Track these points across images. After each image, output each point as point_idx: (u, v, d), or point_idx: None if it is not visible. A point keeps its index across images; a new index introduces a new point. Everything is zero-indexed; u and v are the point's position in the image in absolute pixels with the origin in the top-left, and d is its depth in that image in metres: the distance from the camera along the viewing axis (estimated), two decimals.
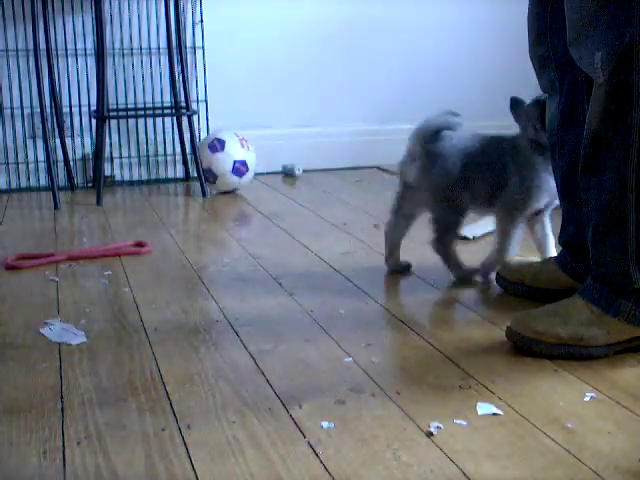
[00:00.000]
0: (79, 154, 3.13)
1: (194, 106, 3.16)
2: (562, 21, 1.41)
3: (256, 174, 3.04)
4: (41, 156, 3.06)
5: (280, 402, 1.22)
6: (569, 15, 1.37)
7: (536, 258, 1.82)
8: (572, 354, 1.35)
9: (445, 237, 1.80)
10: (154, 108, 3.15)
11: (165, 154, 3.24)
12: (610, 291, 1.36)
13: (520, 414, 1.17)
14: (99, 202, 2.77)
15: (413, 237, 2.25)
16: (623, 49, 1.26)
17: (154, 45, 3.13)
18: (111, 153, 3.14)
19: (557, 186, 1.66)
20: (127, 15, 3.08)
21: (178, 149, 3.21)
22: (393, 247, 1.91)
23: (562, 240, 1.67)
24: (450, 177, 1.75)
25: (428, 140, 1.78)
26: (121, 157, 3.18)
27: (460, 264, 1.82)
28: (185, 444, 1.09)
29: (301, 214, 2.59)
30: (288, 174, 3.33)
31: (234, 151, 2.86)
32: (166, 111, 3.17)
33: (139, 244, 2.17)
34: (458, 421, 1.15)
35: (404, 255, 2.06)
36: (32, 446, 1.09)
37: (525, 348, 1.39)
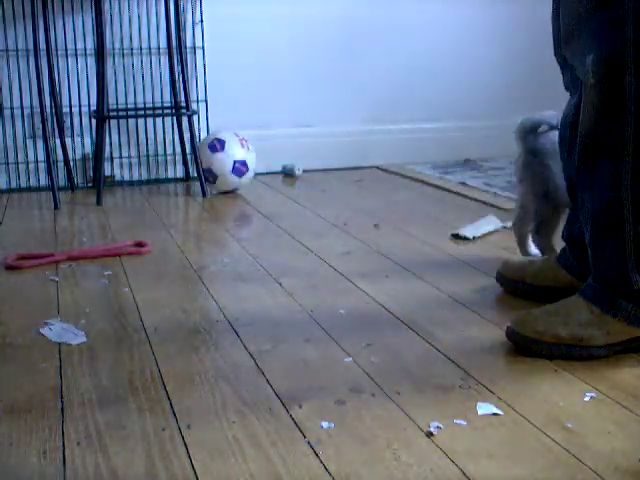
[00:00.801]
0: (79, 154, 3.13)
1: (194, 106, 3.16)
2: None
3: (256, 174, 3.04)
4: (41, 156, 3.06)
5: (280, 402, 1.22)
6: (563, 16, 1.37)
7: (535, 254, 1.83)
8: (572, 354, 1.35)
9: (543, 229, 1.83)
10: (154, 108, 3.15)
11: (165, 154, 3.24)
12: (610, 292, 1.36)
13: (520, 414, 1.17)
14: (99, 202, 2.77)
15: (415, 236, 2.25)
16: (615, 53, 1.26)
17: (154, 45, 3.14)
18: (111, 153, 3.14)
19: (567, 184, 1.66)
20: (127, 15, 3.08)
21: (178, 149, 3.22)
22: (521, 238, 1.94)
23: (566, 236, 1.68)
24: (549, 172, 1.78)
25: (527, 135, 1.83)
26: (121, 157, 3.18)
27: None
28: (185, 444, 1.09)
29: (301, 214, 2.59)
30: (288, 174, 3.33)
31: (234, 151, 2.86)
32: (166, 111, 3.17)
33: (139, 244, 2.17)
34: (458, 421, 1.15)
35: (404, 252, 2.06)
36: (32, 446, 1.09)
37: (525, 348, 1.39)
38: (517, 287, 1.70)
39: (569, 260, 1.64)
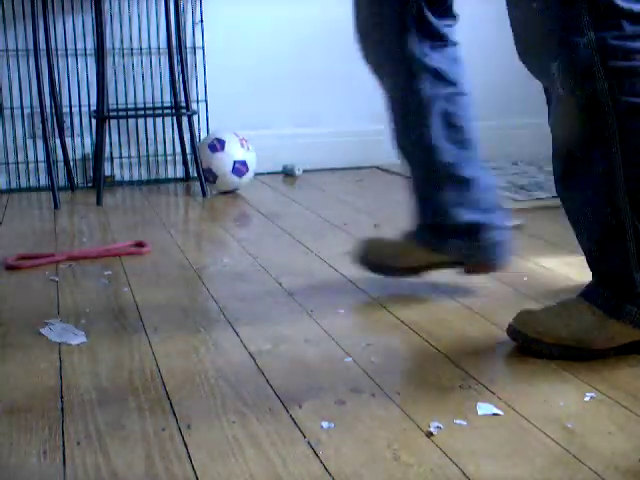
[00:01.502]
0: (79, 154, 3.14)
1: (194, 106, 3.16)
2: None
3: (256, 174, 3.04)
4: (41, 156, 3.07)
5: (280, 402, 1.22)
6: (515, 27, 1.37)
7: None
8: (572, 355, 1.35)
9: None
10: (154, 108, 3.15)
11: (165, 154, 3.24)
12: (614, 295, 1.35)
13: (520, 414, 1.17)
14: (99, 202, 2.77)
15: None
16: (580, 59, 1.25)
17: (154, 45, 3.14)
18: (111, 153, 3.14)
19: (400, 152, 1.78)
20: (127, 15, 3.09)
21: (178, 149, 3.22)
22: None
23: (420, 223, 1.75)
24: None
25: None
26: (121, 157, 3.18)
27: None
28: (185, 444, 1.09)
29: (301, 214, 2.59)
30: (288, 174, 3.33)
31: (234, 151, 2.86)
32: (166, 111, 3.17)
33: (139, 244, 2.17)
34: (458, 421, 1.15)
35: None
36: (32, 446, 1.10)
37: (526, 347, 1.39)
38: (379, 269, 1.79)
39: (426, 237, 1.72)
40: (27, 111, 3.03)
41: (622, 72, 1.24)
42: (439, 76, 1.67)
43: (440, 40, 1.67)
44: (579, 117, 1.29)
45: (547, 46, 1.29)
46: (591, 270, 1.40)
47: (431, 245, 1.71)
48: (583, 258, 1.41)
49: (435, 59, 1.66)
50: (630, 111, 1.25)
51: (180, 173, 3.26)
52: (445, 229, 1.68)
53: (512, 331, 1.41)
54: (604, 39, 1.23)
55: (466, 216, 1.66)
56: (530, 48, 1.33)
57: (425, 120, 1.65)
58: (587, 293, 1.40)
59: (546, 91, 1.41)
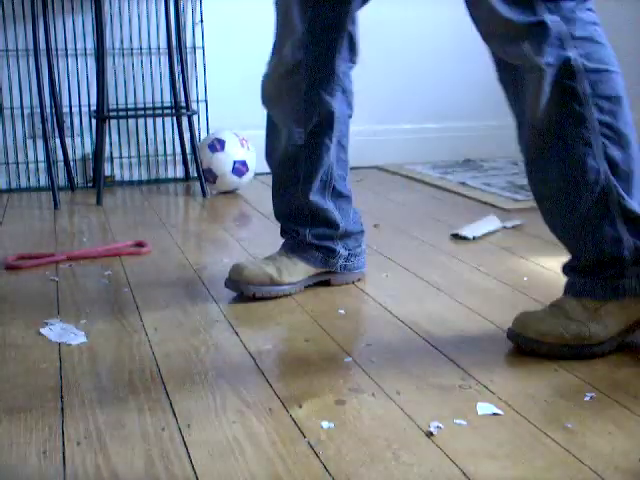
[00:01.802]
0: (79, 154, 3.14)
1: (194, 106, 3.16)
2: None
3: (256, 174, 3.04)
4: (41, 156, 3.07)
5: (280, 402, 1.22)
6: (477, 23, 1.40)
7: None
8: (575, 354, 1.35)
9: None
10: (154, 108, 3.15)
11: (165, 154, 3.24)
12: (607, 278, 1.36)
13: (520, 414, 1.17)
14: (99, 202, 2.77)
15: (415, 236, 2.25)
16: (551, 34, 1.29)
17: (154, 45, 3.14)
18: (111, 153, 3.14)
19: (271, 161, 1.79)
20: (127, 15, 3.08)
21: (178, 149, 3.22)
22: None
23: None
24: None
25: None
26: (121, 157, 3.18)
27: None
28: (185, 444, 1.09)
29: None
30: None
31: (234, 151, 2.86)
32: (166, 111, 3.17)
33: (139, 244, 2.17)
34: (458, 421, 1.15)
35: (404, 252, 2.06)
36: (32, 446, 1.10)
37: (527, 349, 1.38)
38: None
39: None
40: (27, 111, 3.03)
41: (586, 40, 1.31)
42: (346, 97, 1.78)
43: (352, 62, 1.77)
44: (552, 87, 1.32)
45: (513, 32, 1.32)
46: (577, 257, 1.40)
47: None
48: None
49: (348, 80, 1.78)
50: (598, 76, 1.31)
51: (180, 173, 3.26)
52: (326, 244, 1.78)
53: (512, 335, 1.41)
54: (565, 15, 1.30)
55: (350, 226, 1.82)
56: (495, 36, 1.37)
57: (330, 132, 1.73)
58: (575, 289, 1.40)
59: (502, 73, 1.41)
